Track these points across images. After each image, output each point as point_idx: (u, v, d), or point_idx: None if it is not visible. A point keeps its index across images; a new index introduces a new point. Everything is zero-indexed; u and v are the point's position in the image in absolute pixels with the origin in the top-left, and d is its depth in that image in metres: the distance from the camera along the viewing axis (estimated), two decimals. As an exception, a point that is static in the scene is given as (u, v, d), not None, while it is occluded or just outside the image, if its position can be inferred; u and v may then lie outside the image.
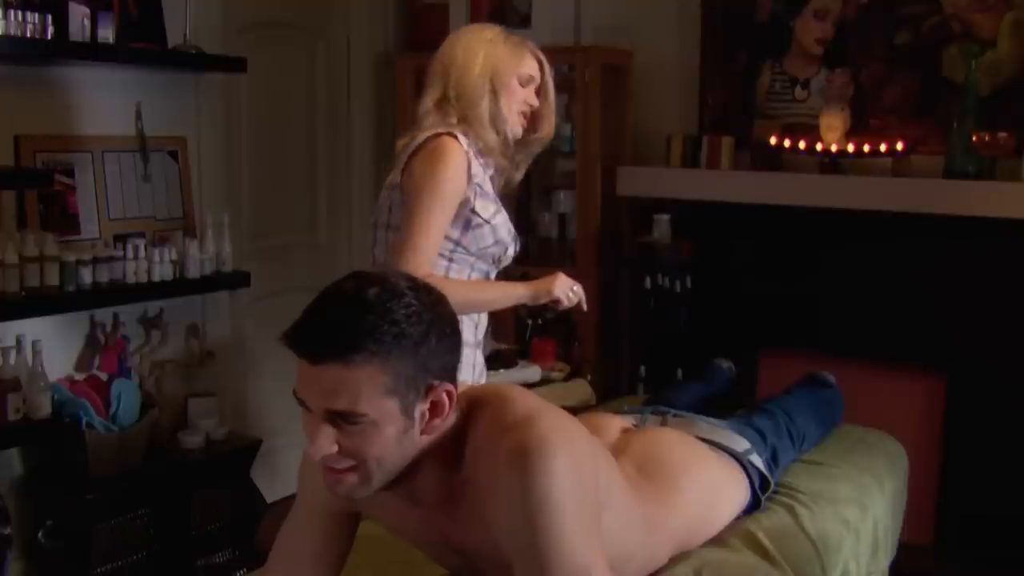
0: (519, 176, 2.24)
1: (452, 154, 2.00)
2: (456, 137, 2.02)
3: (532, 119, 2.14)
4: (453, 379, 1.30)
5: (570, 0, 3.75)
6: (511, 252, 2.15)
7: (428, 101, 2.09)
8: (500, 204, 2.13)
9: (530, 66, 2.10)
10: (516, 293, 2.12)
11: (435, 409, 1.28)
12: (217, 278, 3.20)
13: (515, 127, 2.10)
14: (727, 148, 3.41)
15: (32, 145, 2.86)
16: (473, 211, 2.02)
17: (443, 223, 2.00)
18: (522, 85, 2.09)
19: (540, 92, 2.14)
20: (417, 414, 1.26)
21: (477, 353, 2.18)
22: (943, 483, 3.12)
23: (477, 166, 2.06)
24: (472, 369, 2.16)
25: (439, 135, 2.02)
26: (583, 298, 2.16)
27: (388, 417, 1.23)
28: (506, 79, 2.07)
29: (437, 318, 1.26)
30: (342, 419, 1.22)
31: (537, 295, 2.11)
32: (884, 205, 3.06)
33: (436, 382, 1.26)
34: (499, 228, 2.08)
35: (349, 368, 1.19)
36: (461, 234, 2.04)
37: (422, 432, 1.28)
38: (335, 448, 1.24)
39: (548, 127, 2.17)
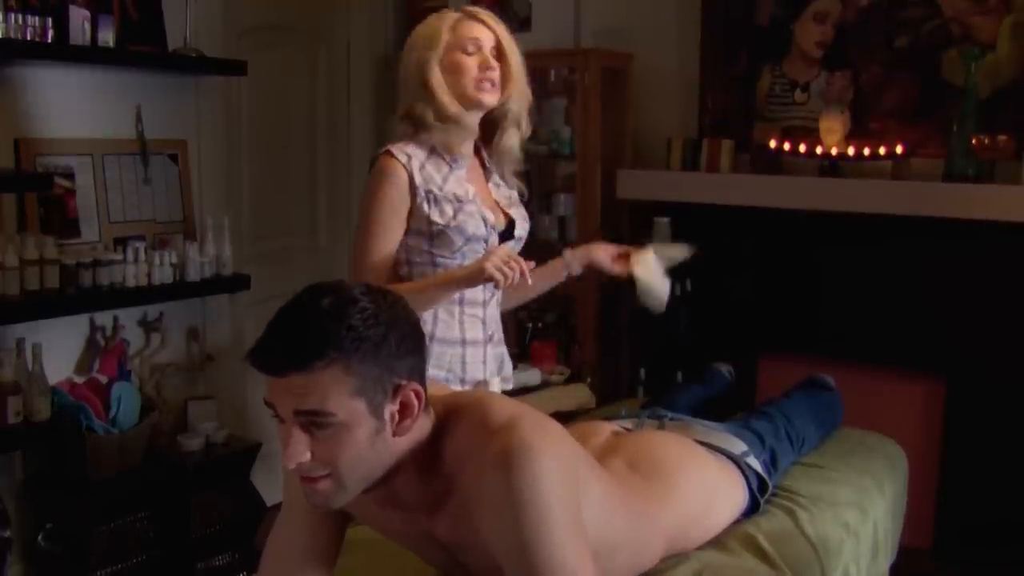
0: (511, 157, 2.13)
1: (385, 176, 1.98)
2: (393, 154, 1.99)
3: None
4: (421, 380, 1.31)
5: (570, 3, 3.76)
6: (494, 240, 2.06)
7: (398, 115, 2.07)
8: (466, 197, 2.03)
9: (468, 31, 1.98)
10: (453, 282, 1.99)
11: (404, 410, 1.29)
12: (217, 281, 3.20)
13: (479, 96, 1.99)
14: (727, 151, 3.41)
15: (32, 148, 2.86)
16: (429, 220, 1.99)
17: (386, 242, 1.99)
18: (466, 53, 1.99)
19: (500, 56, 2.01)
20: (387, 415, 1.27)
21: (488, 349, 2.13)
22: (942, 486, 3.12)
23: (428, 172, 2.01)
24: (483, 366, 2.11)
25: (379, 155, 2.02)
26: (524, 269, 1.90)
27: (358, 418, 1.24)
28: (438, 57, 1.98)
29: (394, 319, 1.27)
30: (312, 421, 1.23)
31: (472, 277, 1.93)
32: (884, 208, 3.06)
33: (403, 382, 1.27)
34: (465, 225, 2.01)
35: (312, 374, 1.21)
36: (430, 244, 2.02)
37: (394, 434, 1.29)
38: (308, 455, 1.26)
39: (514, 93, 2.05)
